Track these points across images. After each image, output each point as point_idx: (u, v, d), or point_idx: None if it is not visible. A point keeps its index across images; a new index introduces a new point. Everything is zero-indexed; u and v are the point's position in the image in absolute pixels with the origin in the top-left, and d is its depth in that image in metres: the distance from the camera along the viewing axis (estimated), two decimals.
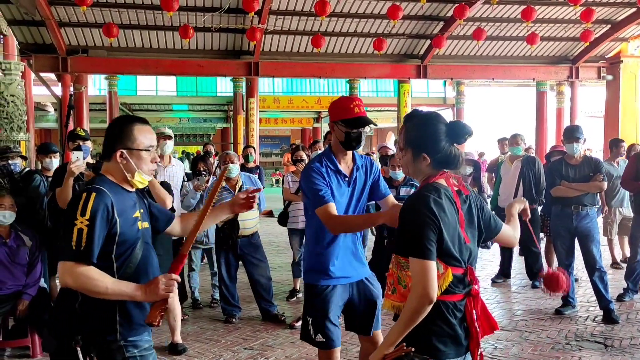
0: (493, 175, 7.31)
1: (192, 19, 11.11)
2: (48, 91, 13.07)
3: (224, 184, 5.11)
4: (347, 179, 2.89)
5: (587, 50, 13.66)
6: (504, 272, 6.62)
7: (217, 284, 5.48)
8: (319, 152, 4.14)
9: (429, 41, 12.95)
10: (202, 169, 5.66)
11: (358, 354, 4.19)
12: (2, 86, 12.20)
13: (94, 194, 2.07)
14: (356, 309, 2.96)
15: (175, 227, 2.57)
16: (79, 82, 12.59)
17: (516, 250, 6.98)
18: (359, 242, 2.99)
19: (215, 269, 5.57)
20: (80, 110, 12.40)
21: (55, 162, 5.11)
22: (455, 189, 2.03)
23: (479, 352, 2.03)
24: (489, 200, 6.57)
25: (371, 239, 6.17)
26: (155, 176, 4.37)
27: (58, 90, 12.61)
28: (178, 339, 4.40)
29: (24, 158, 5.59)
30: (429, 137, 2.01)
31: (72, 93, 12.13)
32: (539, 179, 6.23)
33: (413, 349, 1.86)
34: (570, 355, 4.23)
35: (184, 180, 5.61)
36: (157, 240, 4.24)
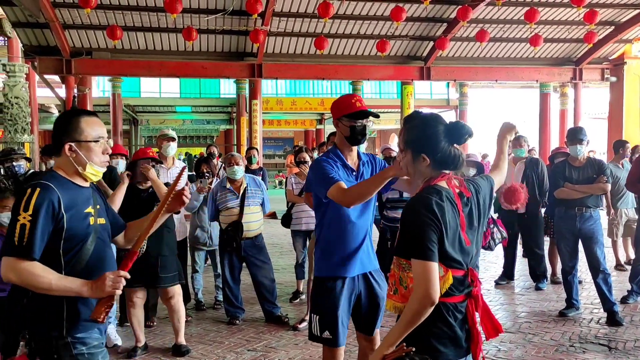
0: None
1: (195, 21, 11.15)
2: (52, 93, 13.14)
3: (228, 185, 5.12)
4: (354, 173, 2.94)
5: (591, 51, 13.64)
6: (508, 274, 6.60)
7: (221, 286, 5.48)
8: None
9: (432, 43, 12.96)
10: (205, 170, 5.67)
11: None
12: (7, 88, 12.26)
13: (38, 189, 2.05)
14: (362, 308, 2.98)
15: (119, 239, 2.49)
16: (83, 84, 12.64)
17: (520, 252, 6.97)
18: (369, 235, 3.02)
19: (219, 270, 5.57)
20: None
21: None
22: (457, 190, 2.02)
23: (482, 356, 2.02)
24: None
25: (374, 240, 6.16)
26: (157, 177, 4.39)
27: (62, 92, 12.68)
28: (182, 340, 4.41)
29: (28, 160, 5.61)
30: (428, 138, 2.01)
31: (75, 95, 12.17)
32: (542, 180, 6.22)
33: (414, 349, 1.86)
34: (574, 357, 4.22)
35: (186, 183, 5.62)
36: (162, 241, 4.30)
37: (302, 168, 5.83)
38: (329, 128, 21.44)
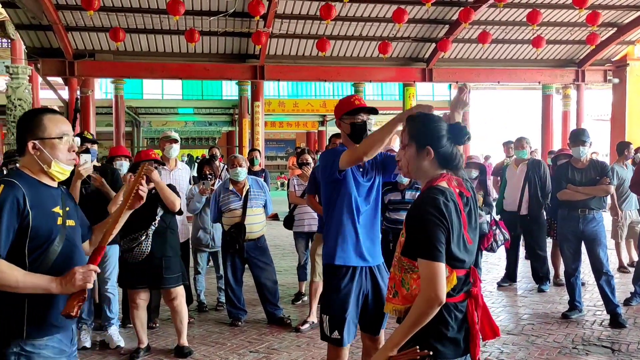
0: (498, 178, 7.30)
1: (198, 22, 11.16)
2: (55, 95, 13.14)
3: (231, 187, 5.12)
4: (361, 169, 3.02)
5: (593, 53, 13.63)
6: (510, 275, 6.59)
7: (223, 287, 5.49)
8: None
9: (434, 44, 12.95)
10: (207, 172, 5.68)
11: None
12: (10, 90, 12.30)
13: (2, 186, 2.02)
14: (368, 307, 3.01)
15: (85, 245, 2.39)
16: (86, 85, 12.67)
17: (522, 253, 6.96)
18: (377, 226, 3.09)
19: (221, 272, 5.58)
20: (86, 113, 12.47)
21: None
22: (457, 190, 2.04)
23: (478, 358, 2.03)
24: (494, 204, 6.55)
25: None
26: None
27: (65, 94, 12.68)
28: (184, 341, 4.41)
29: None
30: (433, 131, 2.06)
31: (78, 97, 12.20)
32: (545, 182, 6.21)
33: (431, 353, 1.87)
34: (577, 359, 4.21)
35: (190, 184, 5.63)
36: (166, 242, 4.31)
37: (305, 170, 5.83)
38: (331, 130, 21.45)
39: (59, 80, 13.29)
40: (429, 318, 1.87)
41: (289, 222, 5.93)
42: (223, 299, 5.55)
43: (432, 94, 22.90)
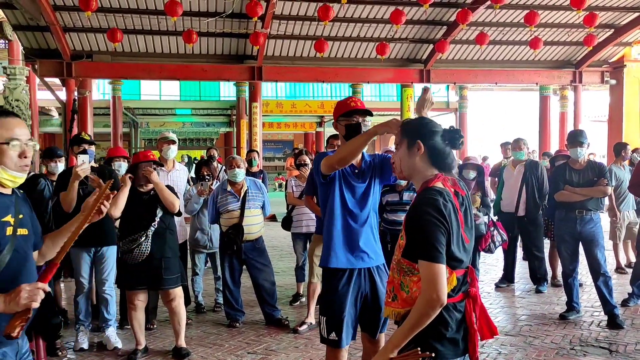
0: (496, 179, 7.31)
1: (195, 23, 11.16)
2: (52, 96, 13.14)
3: (229, 188, 5.12)
4: (357, 170, 3.04)
5: (591, 54, 13.67)
6: (508, 276, 6.60)
7: (221, 288, 5.48)
8: None
9: (431, 46, 12.98)
10: (205, 173, 5.67)
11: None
12: (7, 91, 12.27)
13: None
14: (367, 308, 3.01)
15: (35, 255, 2.22)
16: (83, 86, 12.65)
17: (520, 254, 6.97)
18: (375, 228, 3.09)
19: (219, 273, 5.57)
20: (84, 114, 12.45)
21: (60, 166, 5.13)
22: (453, 190, 2.04)
23: (477, 357, 2.03)
24: (492, 205, 6.56)
25: None
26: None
27: (62, 94, 12.68)
28: (182, 343, 4.40)
29: None
30: (424, 126, 2.10)
31: (76, 98, 12.18)
32: (542, 183, 6.22)
33: (433, 355, 1.87)
34: None
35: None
36: (165, 243, 4.31)
37: (302, 171, 5.83)
38: (328, 131, 21.45)
39: (57, 81, 13.28)
40: (430, 319, 1.88)
41: (287, 223, 5.92)
42: (221, 300, 5.54)
43: None
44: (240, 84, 14.78)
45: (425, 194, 1.99)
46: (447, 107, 22.42)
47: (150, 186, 4.34)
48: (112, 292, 4.63)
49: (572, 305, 5.26)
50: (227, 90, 21.84)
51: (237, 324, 5.10)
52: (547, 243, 6.66)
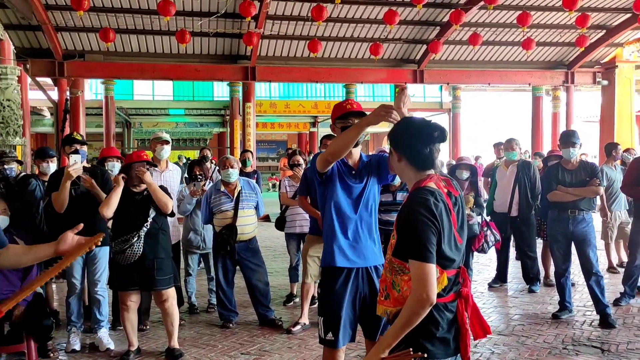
0: (489, 180, 7.33)
1: (188, 23, 11.13)
2: (44, 95, 13.06)
3: (222, 188, 5.11)
4: (353, 171, 3.06)
5: (583, 55, 13.75)
6: (501, 276, 6.62)
7: (214, 289, 5.46)
8: None
9: (425, 46, 13.01)
10: (198, 173, 5.66)
11: (355, 359, 4.19)
12: None
13: None
14: (367, 310, 3.02)
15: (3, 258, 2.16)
16: (76, 86, 12.59)
17: (513, 254, 6.99)
18: (373, 227, 3.11)
19: (212, 273, 5.55)
20: (76, 114, 12.39)
21: (52, 166, 5.09)
22: (446, 190, 2.05)
23: (468, 357, 2.03)
24: (485, 205, 6.58)
25: None
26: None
27: (54, 94, 12.60)
28: (175, 344, 4.38)
29: (20, 163, 5.57)
30: (400, 137, 2.12)
31: (68, 97, 12.12)
32: (535, 183, 6.25)
33: (425, 355, 1.87)
34: (567, 359, 4.24)
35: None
36: (158, 244, 4.29)
37: (296, 171, 5.82)
38: (322, 131, 21.44)
39: (49, 80, 13.21)
40: (420, 319, 1.88)
41: (280, 224, 5.91)
42: (214, 301, 5.52)
43: (423, 95, 22.95)
44: (233, 84, 14.77)
45: (417, 193, 2.00)
46: (440, 107, 22.48)
47: (144, 186, 4.32)
48: (104, 293, 4.60)
49: (564, 305, 5.28)
50: (220, 91, 21.79)
51: (231, 325, 5.08)
52: (539, 243, 6.69)
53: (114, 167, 5.08)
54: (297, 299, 5.90)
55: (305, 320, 5.00)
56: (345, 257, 3.00)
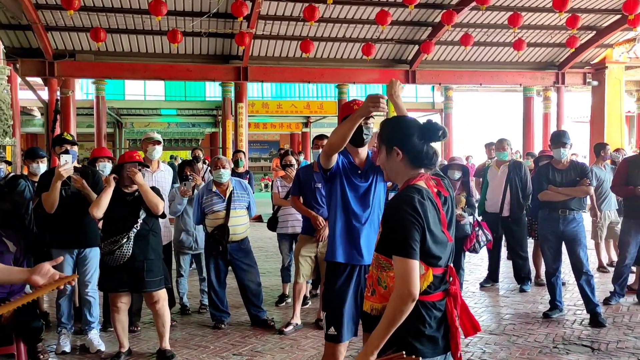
0: (480, 180, 7.36)
1: (180, 23, 11.08)
2: (34, 95, 12.96)
3: (214, 189, 5.09)
4: (359, 171, 3.14)
5: (573, 56, 13.83)
6: (492, 276, 6.65)
7: (206, 290, 5.44)
8: None
9: (417, 46, 13.04)
10: (188, 173, 5.64)
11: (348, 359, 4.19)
12: None
13: None
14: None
15: None
16: (66, 86, 12.50)
17: (504, 254, 7.03)
18: (377, 225, 3.14)
19: (204, 274, 5.54)
20: (67, 115, 12.30)
21: (42, 167, 5.06)
22: (435, 190, 2.06)
23: (460, 355, 2.04)
24: (477, 205, 6.60)
25: None
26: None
27: (45, 94, 12.51)
28: (166, 345, 4.36)
29: (9, 163, 5.52)
30: (398, 131, 2.11)
31: (58, 98, 12.03)
32: (526, 183, 6.28)
33: (420, 358, 1.88)
34: (557, 358, 4.26)
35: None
36: (148, 245, 4.27)
37: (288, 171, 5.82)
38: (314, 131, 21.43)
39: (39, 80, 13.10)
40: (404, 315, 1.89)
41: (272, 224, 5.90)
42: (206, 302, 5.51)
43: (415, 95, 23.01)
44: (225, 84, 14.72)
45: (404, 191, 2.02)
46: (432, 107, 22.54)
47: (135, 187, 4.29)
48: (95, 294, 4.57)
49: (555, 304, 5.31)
50: (212, 91, 21.72)
51: (223, 326, 5.07)
52: (530, 243, 6.73)
53: (105, 167, 5.05)
54: (289, 300, 5.90)
55: (297, 320, 5.00)
56: (349, 253, 3.08)
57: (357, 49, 12.89)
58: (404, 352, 1.89)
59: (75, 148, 4.85)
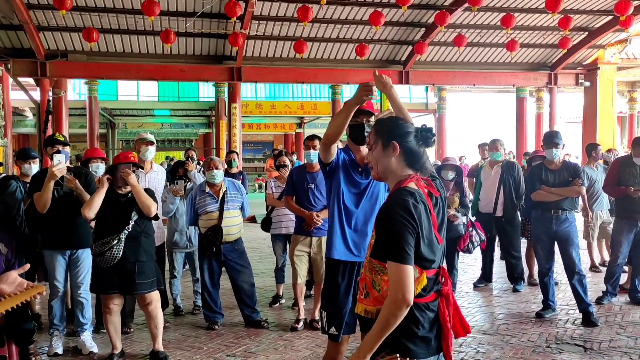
0: (474, 180, 7.39)
1: (173, 23, 11.05)
2: (26, 96, 12.88)
3: (207, 189, 5.08)
4: (360, 168, 3.16)
5: (565, 57, 13.91)
6: (486, 276, 6.67)
7: (199, 291, 5.43)
8: None
9: (410, 47, 13.06)
10: (182, 173, 5.62)
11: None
12: None
13: None
14: None
15: None
16: (58, 86, 12.42)
17: (497, 254, 7.05)
18: None
19: (197, 275, 5.52)
20: (59, 115, 12.23)
21: (34, 167, 5.02)
22: (426, 191, 2.05)
23: (450, 355, 2.04)
24: (470, 205, 6.62)
25: None
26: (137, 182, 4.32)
27: (37, 95, 12.43)
28: (159, 346, 4.34)
29: (0, 164, 5.48)
30: (398, 127, 2.12)
31: (50, 98, 11.96)
32: (519, 184, 6.30)
33: (408, 359, 1.87)
34: (550, 358, 4.27)
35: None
36: (139, 247, 4.24)
37: (282, 172, 5.81)
38: (308, 131, 21.42)
39: (31, 81, 13.03)
40: (398, 320, 1.88)
41: (266, 225, 5.90)
42: (199, 303, 5.49)
43: (409, 96, 23.05)
44: (219, 85, 14.69)
45: (397, 194, 1.99)
46: (426, 108, 22.59)
47: (129, 188, 4.27)
48: (87, 295, 4.54)
49: (548, 304, 5.33)
50: (206, 91, 21.68)
51: (216, 327, 5.05)
52: (524, 243, 6.75)
53: (98, 168, 5.02)
54: (283, 300, 5.90)
55: (303, 315, 5.08)
56: (348, 250, 3.10)
57: (350, 49, 12.90)
58: (397, 355, 1.88)
59: (67, 149, 4.82)
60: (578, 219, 5.70)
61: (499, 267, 7.10)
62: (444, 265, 2.14)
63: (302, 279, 5.00)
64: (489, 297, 6.24)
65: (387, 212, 1.96)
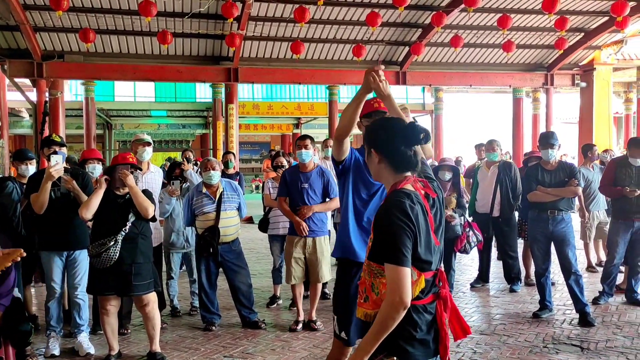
0: (470, 180, 7.40)
1: (170, 24, 11.04)
2: (23, 97, 12.84)
3: (204, 190, 5.07)
4: None
5: (562, 57, 13.95)
6: (483, 276, 6.68)
7: (196, 292, 5.42)
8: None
9: (407, 48, 13.08)
10: (178, 174, 5.61)
11: None
12: None
13: None
14: None
15: None
16: (55, 87, 12.39)
17: (494, 255, 7.06)
18: None
19: (194, 276, 5.51)
20: (56, 116, 12.20)
21: (31, 168, 5.01)
22: (423, 192, 2.03)
23: (448, 358, 2.04)
24: (467, 206, 6.63)
25: None
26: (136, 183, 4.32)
27: (33, 95, 12.39)
28: (156, 347, 4.34)
29: None
30: (376, 135, 2.08)
31: (47, 99, 11.93)
32: (516, 184, 6.32)
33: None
34: (547, 358, 4.29)
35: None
36: (136, 248, 4.24)
37: (279, 172, 5.81)
38: (305, 132, 21.44)
39: (27, 82, 12.99)
40: (395, 322, 1.87)
41: (263, 225, 5.90)
42: (196, 304, 5.48)
43: (405, 97, 23.07)
44: (216, 86, 14.67)
45: (393, 196, 1.98)
46: (423, 108, 22.61)
47: (127, 190, 4.26)
48: (84, 296, 4.54)
49: (544, 304, 5.35)
50: (203, 92, 21.64)
51: (213, 328, 5.05)
52: (520, 243, 6.77)
53: (95, 169, 5.02)
54: (281, 301, 5.90)
55: (302, 317, 5.07)
56: (359, 251, 3.07)
57: (347, 50, 12.91)
58: (395, 358, 1.88)
59: (64, 149, 4.82)
60: (575, 219, 5.72)
61: (496, 267, 7.12)
62: (442, 267, 2.13)
63: (296, 280, 5.01)
64: (486, 297, 6.25)
65: (383, 214, 1.94)
